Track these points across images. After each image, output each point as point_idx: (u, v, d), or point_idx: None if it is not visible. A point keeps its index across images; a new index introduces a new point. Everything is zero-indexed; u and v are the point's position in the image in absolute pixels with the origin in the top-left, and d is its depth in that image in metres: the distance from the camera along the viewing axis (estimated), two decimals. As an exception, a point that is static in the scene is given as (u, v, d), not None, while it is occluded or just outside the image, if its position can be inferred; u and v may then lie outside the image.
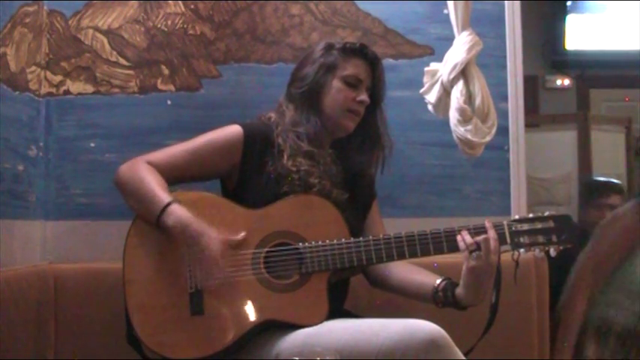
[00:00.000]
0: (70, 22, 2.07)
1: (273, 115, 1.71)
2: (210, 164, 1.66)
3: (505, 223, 1.57)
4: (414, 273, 1.68)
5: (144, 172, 1.58)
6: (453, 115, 1.86)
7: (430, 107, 1.94)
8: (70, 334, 1.90)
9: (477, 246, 1.52)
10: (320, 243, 1.56)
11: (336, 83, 1.67)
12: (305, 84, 1.68)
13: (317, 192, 1.60)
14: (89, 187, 2.05)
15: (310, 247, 1.56)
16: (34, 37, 1.99)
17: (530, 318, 1.97)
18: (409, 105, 2.04)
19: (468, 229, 1.56)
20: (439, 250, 1.58)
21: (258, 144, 1.65)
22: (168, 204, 1.51)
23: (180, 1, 2.10)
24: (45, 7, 2.05)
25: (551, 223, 1.57)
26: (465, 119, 1.84)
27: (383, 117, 1.75)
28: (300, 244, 1.56)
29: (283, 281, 1.55)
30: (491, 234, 1.53)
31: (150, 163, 1.60)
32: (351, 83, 1.68)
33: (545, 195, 2.99)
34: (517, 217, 1.60)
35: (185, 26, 2.10)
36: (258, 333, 1.52)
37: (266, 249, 1.56)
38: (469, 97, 1.85)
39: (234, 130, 1.66)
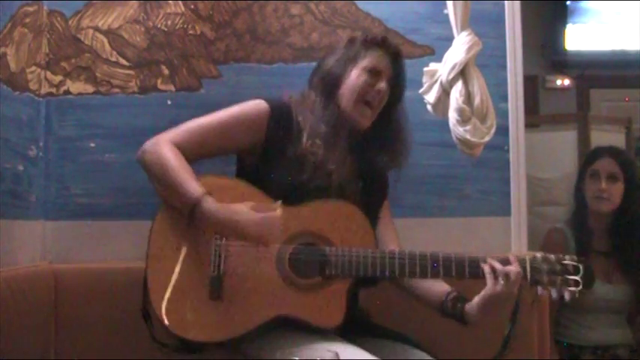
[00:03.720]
0: (70, 22, 2.07)
1: (296, 98, 1.71)
2: (234, 140, 1.65)
3: (527, 259, 1.58)
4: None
5: (169, 157, 1.55)
6: (452, 116, 1.86)
7: (429, 107, 1.94)
8: (70, 334, 1.90)
9: (505, 276, 1.54)
10: (347, 249, 1.55)
11: (355, 72, 1.67)
12: (327, 73, 1.70)
13: (333, 180, 1.60)
14: (89, 187, 2.05)
15: (337, 252, 1.55)
16: (34, 37, 1.99)
17: (530, 318, 1.97)
18: (409, 105, 2.01)
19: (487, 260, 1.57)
20: (460, 274, 1.57)
21: (282, 122, 1.64)
22: (198, 201, 1.50)
23: (180, 1, 2.10)
24: (45, 7, 2.05)
25: (570, 268, 1.58)
26: (463, 119, 1.84)
27: (404, 113, 1.76)
28: (328, 247, 1.56)
29: (305, 280, 1.55)
30: (516, 267, 1.55)
31: (174, 144, 1.58)
32: (372, 72, 1.67)
33: (545, 195, 2.99)
34: (539, 255, 1.60)
35: (185, 26, 2.10)
36: (273, 328, 1.52)
37: (292, 246, 1.56)
38: (468, 98, 1.85)
39: (259, 105, 1.65)
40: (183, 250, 1.55)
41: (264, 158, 1.64)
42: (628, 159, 2.44)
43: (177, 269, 1.54)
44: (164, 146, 1.58)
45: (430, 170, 2.12)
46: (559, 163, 2.72)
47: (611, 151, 2.43)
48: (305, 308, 1.52)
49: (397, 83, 1.72)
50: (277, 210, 1.53)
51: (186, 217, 1.52)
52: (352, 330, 1.58)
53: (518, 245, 2.13)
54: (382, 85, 1.67)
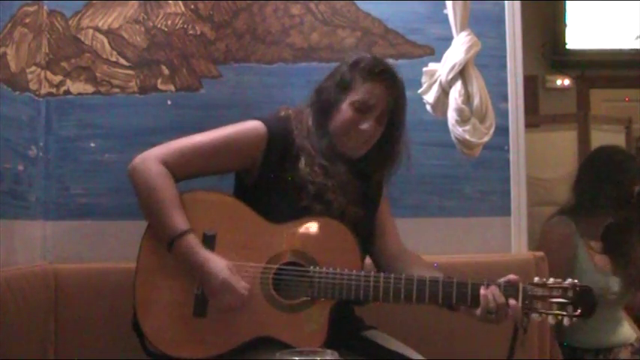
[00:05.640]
0: (70, 22, 2.08)
1: (293, 113, 1.67)
2: (226, 162, 1.62)
3: (520, 285, 1.51)
4: (421, 268, 1.65)
5: (157, 183, 1.54)
6: (452, 116, 1.86)
7: (428, 107, 1.94)
8: (70, 334, 1.90)
9: (498, 312, 1.49)
10: (331, 270, 1.53)
11: (344, 106, 1.60)
12: (322, 98, 1.64)
13: (334, 209, 1.57)
14: (89, 187, 2.05)
15: (320, 272, 1.53)
16: (34, 37, 1.99)
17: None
18: (409, 105, 2.02)
19: (484, 285, 1.51)
20: (448, 300, 1.52)
21: (280, 145, 1.60)
22: (178, 238, 1.50)
23: (180, 1, 2.10)
24: (45, 7, 2.05)
25: (570, 293, 1.50)
26: (463, 119, 1.84)
27: (401, 141, 1.68)
28: (312, 267, 1.54)
29: (288, 301, 1.53)
30: (513, 302, 1.49)
31: (164, 164, 1.56)
32: (359, 109, 1.59)
33: (545, 195, 2.99)
34: (536, 279, 1.52)
35: (185, 26, 2.10)
36: (254, 348, 1.51)
37: (277, 266, 1.54)
38: (467, 98, 1.85)
39: (257, 128, 1.60)
40: (170, 267, 1.54)
41: (261, 180, 1.61)
42: None
43: (163, 285, 1.54)
44: (153, 167, 1.55)
45: (430, 170, 2.12)
46: (559, 163, 2.71)
47: None
48: (286, 329, 1.51)
49: (395, 113, 1.64)
50: (245, 289, 1.50)
51: (165, 246, 1.52)
52: (341, 344, 1.55)
53: (518, 245, 2.13)
54: (366, 125, 1.59)
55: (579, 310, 1.49)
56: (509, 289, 1.51)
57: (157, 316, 1.53)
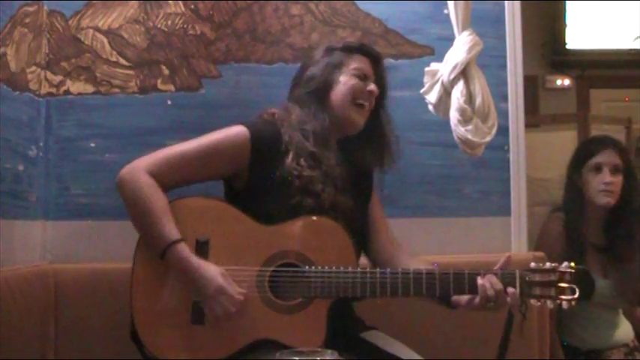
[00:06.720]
0: (70, 22, 2.08)
1: (277, 112, 1.68)
2: (214, 168, 1.63)
3: (517, 272, 1.52)
4: (417, 263, 1.66)
5: (146, 195, 1.54)
6: (454, 115, 1.86)
7: (431, 107, 1.94)
8: (70, 334, 1.90)
9: (497, 298, 1.50)
10: (326, 269, 1.54)
11: (344, 77, 1.67)
12: (313, 83, 1.68)
13: (323, 200, 1.58)
14: (89, 187, 2.05)
15: (316, 272, 1.53)
16: (34, 37, 1.99)
17: (530, 318, 1.97)
18: (409, 105, 2.05)
19: (481, 274, 1.52)
20: (445, 292, 1.53)
21: (266, 147, 1.61)
22: (169, 247, 1.50)
23: (180, 1, 2.10)
24: (45, 7, 2.05)
25: (567, 277, 1.51)
26: (465, 119, 1.84)
27: (387, 115, 1.76)
28: (307, 267, 1.54)
29: (285, 302, 1.54)
30: (511, 290, 1.51)
31: (151, 174, 1.56)
32: (359, 76, 1.68)
33: (545, 195, 2.98)
34: (532, 265, 1.53)
35: (185, 26, 2.10)
36: (253, 351, 1.51)
37: (272, 268, 1.54)
38: (469, 97, 1.85)
39: (240, 133, 1.61)
40: (166, 275, 1.54)
41: (251, 183, 1.62)
42: (626, 149, 2.39)
43: (160, 294, 1.54)
44: (141, 178, 1.55)
45: (430, 170, 2.12)
46: (559, 163, 2.70)
47: (613, 143, 2.38)
48: (285, 331, 1.52)
49: (381, 87, 1.72)
50: (241, 294, 1.50)
51: (158, 255, 1.52)
52: (340, 345, 1.56)
53: (518, 245, 2.13)
54: (373, 86, 1.68)
55: (577, 292, 1.50)
56: (507, 277, 1.52)
57: (156, 325, 1.53)
